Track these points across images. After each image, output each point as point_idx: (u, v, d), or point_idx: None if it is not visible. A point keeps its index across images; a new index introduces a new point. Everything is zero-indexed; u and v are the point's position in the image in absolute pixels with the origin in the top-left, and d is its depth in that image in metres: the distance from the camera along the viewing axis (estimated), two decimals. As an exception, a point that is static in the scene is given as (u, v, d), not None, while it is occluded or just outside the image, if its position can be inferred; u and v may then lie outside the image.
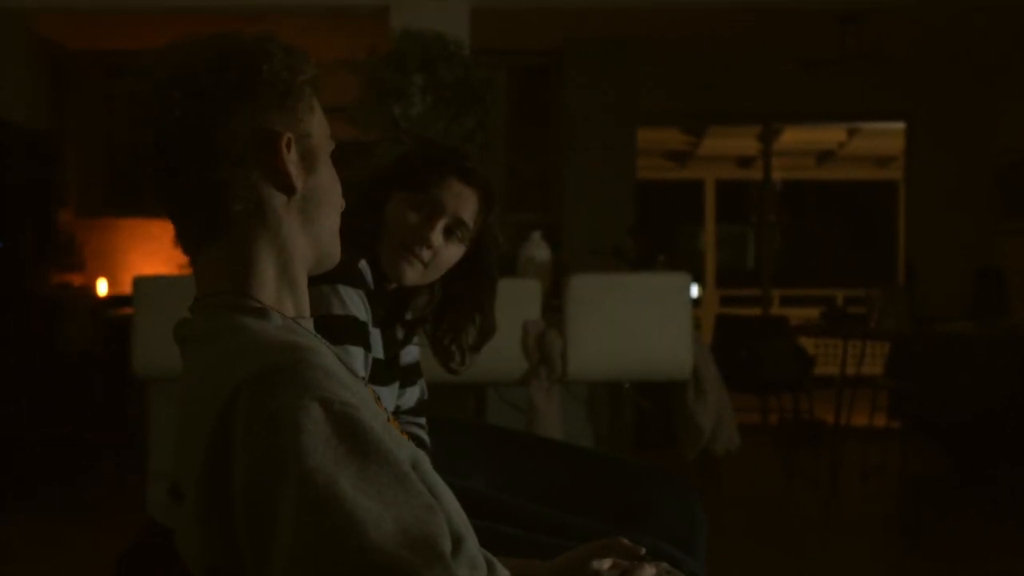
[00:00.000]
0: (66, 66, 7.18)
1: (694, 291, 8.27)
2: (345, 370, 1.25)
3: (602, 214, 7.17)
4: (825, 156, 12.06)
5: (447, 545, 1.13)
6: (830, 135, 11.07)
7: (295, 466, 1.10)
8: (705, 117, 8.98)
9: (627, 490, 2.29)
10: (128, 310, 4.38)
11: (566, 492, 2.29)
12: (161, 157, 1.27)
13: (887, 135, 9.95)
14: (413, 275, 2.03)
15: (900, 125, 8.36)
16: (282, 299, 1.31)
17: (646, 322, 4.08)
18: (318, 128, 1.34)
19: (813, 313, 8.38)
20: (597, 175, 7.23)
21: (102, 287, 7.29)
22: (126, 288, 6.47)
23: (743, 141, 10.60)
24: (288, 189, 1.29)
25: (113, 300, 6.95)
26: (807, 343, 8.17)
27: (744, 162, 11.73)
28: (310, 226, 1.32)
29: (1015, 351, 5.28)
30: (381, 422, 1.20)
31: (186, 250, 1.35)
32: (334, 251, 1.37)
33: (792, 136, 10.37)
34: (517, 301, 4.03)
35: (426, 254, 2.02)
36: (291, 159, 1.28)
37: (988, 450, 5.55)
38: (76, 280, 7.09)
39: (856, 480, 5.92)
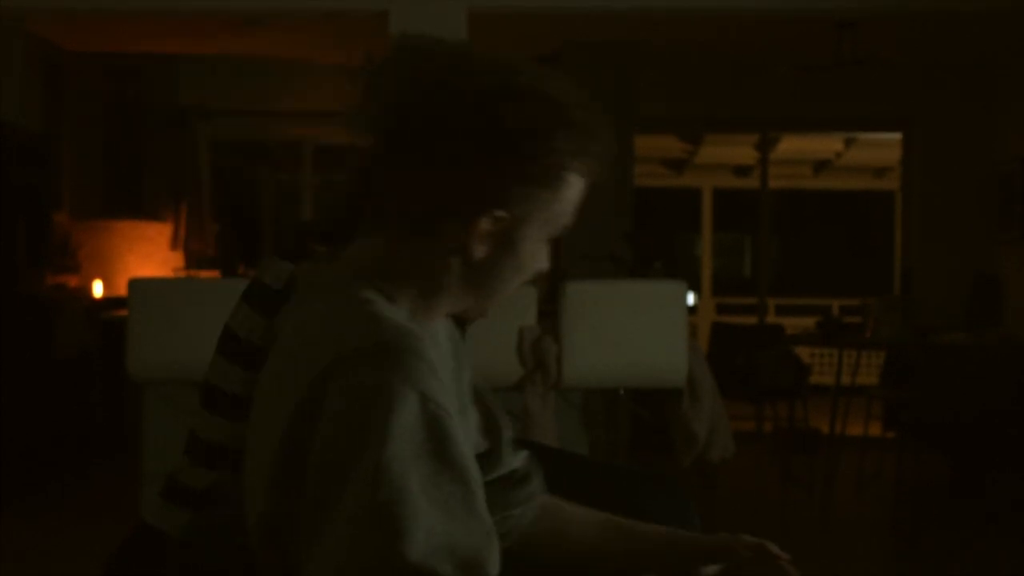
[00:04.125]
0: (62, 68, 7.17)
1: (690, 299, 8.27)
2: (448, 378, 1.26)
3: (599, 221, 7.14)
4: (822, 166, 12.08)
5: (494, 572, 1.14)
6: (827, 145, 11.08)
7: (376, 447, 1.11)
8: (702, 124, 8.98)
9: (621, 496, 2.28)
10: (123, 312, 4.37)
11: (560, 498, 2.29)
12: (412, 150, 1.25)
13: (884, 145, 9.97)
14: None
15: (897, 136, 8.37)
16: (413, 311, 1.31)
17: (642, 329, 4.07)
18: (546, 213, 1.30)
19: (809, 322, 8.37)
20: (594, 181, 7.22)
21: (97, 289, 7.28)
22: (121, 290, 6.46)
23: (740, 150, 10.62)
24: (461, 254, 1.28)
25: (108, 302, 6.93)
26: (803, 352, 8.16)
27: (741, 171, 11.74)
28: (469, 286, 1.31)
29: (1011, 360, 5.28)
30: (467, 432, 1.22)
31: (370, 222, 1.32)
32: (483, 312, 1.37)
33: (789, 145, 10.38)
34: (512, 307, 4.02)
35: None
36: (483, 233, 1.26)
37: (983, 459, 5.55)
38: (71, 282, 7.07)
39: (851, 489, 5.91)
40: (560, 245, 7.00)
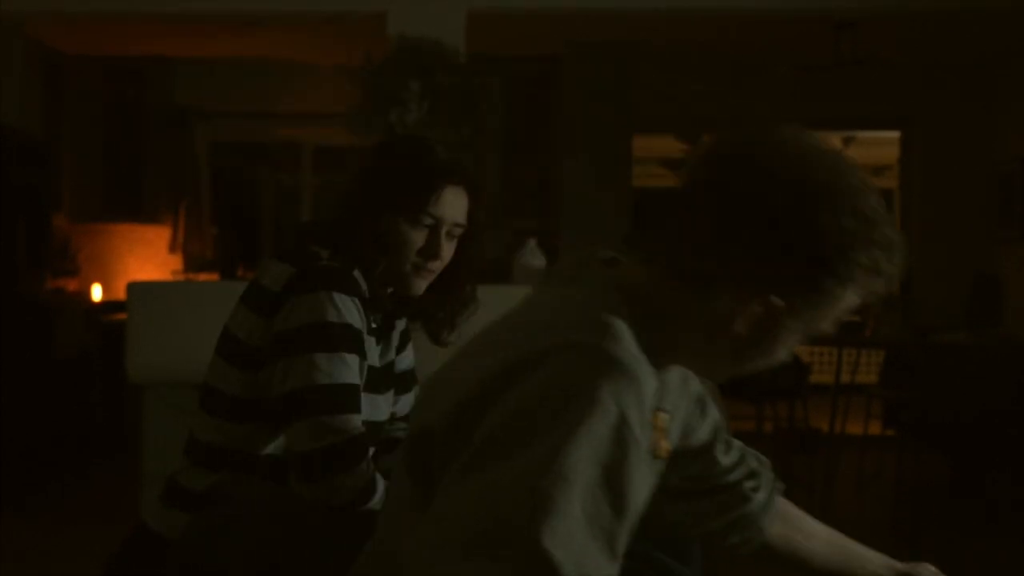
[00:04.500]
0: (62, 70, 7.17)
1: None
2: (676, 422, 1.31)
3: (597, 221, 7.16)
4: (821, 164, 12.07)
5: None
6: (825, 144, 11.07)
7: (561, 437, 1.15)
8: (701, 124, 8.98)
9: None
10: (122, 315, 4.38)
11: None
12: (730, 234, 1.27)
13: (882, 144, 9.96)
14: (424, 284, 2.07)
15: (896, 134, 8.37)
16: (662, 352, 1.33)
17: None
18: (816, 315, 1.32)
19: (808, 321, 8.35)
20: (593, 182, 7.23)
21: (96, 292, 7.28)
22: (120, 293, 6.46)
23: (739, 149, 10.60)
24: (722, 324, 1.29)
25: (107, 305, 6.93)
26: (802, 351, 8.16)
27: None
28: (711, 354, 1.34)
29: (1011, 360, 5.28)
30: (641, 483, 1.23)
31: (667, 260, 1.33)
32: (713, 378, 1.43)
33: (788, 144, 10.36)
34: (511, 308, 4.01)
35: (436, 264, 2.05)
36: (751, 313, 1.28)
37: (984, 459, 5.55)
38: (70, 285, 7.07)
39: (851, 488, 5.91)
40: (560, 246, 7.00)
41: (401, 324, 2.18)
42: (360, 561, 1.45)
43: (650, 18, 6.31)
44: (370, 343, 2.01)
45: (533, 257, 4.89)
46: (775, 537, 1.69)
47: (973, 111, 7.66)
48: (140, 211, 7.46)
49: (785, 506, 1.71)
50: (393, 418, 2.18)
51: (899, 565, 1.72)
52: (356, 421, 1.89)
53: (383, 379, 2.08)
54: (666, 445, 1.37)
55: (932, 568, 1.68)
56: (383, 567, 1.35)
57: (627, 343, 1.24)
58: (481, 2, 5.63)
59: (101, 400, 6.37)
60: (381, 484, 1.91)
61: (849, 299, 1.31)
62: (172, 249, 7.58)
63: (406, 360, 2.22)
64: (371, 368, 2.00)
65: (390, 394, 2.13)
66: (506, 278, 4.79)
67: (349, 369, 1.89)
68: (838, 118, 8.38)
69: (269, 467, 1.97)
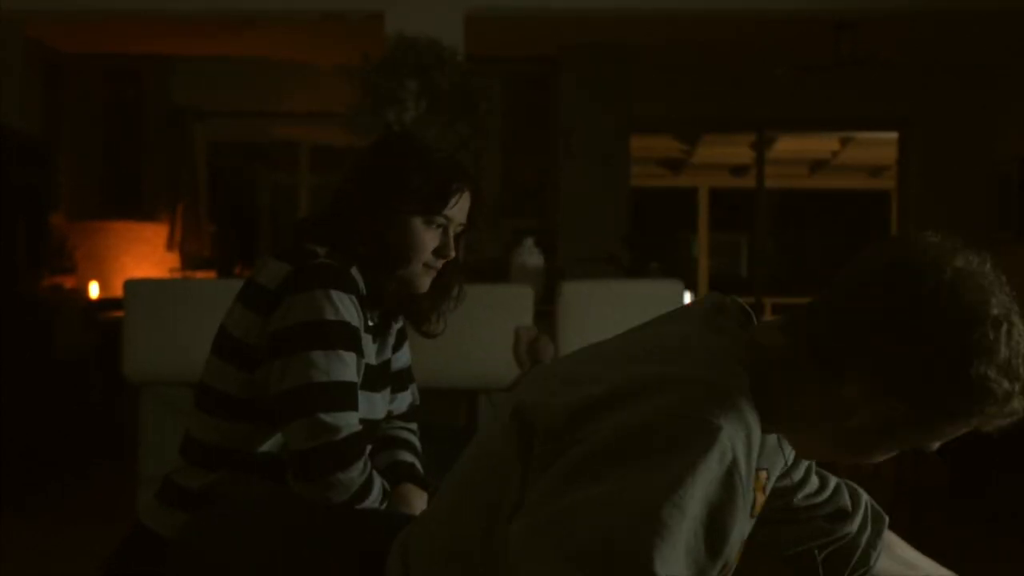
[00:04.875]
0: (60, 70, 7.17)
1: (687, 299, 8.27)
2: (755, 467, 1.30)
3: (596, 221, 7.17)
4: (818, 165, 12.08)
5: None
6: (823, 144, 11.08)
7: (676, 474, 1.17)
8: (699, 124, 8.99)
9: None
10: (120, 313, 4.37)
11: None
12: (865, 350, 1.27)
13: (880, 144, 9.97)
14: (428, 282, 2.09)
15: (893, 135, 8.37)
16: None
17: (639, 329, 4.07)
18: (927, 431, 1.34)
19: (806, 322, 8.36)
20: (591, 182, 7.23)
21: (94, 290, 7.28)
22: (117, 291, 6.46)
23: (737, 150, 10.61)
24: (842, 412, 1.30)
25: (105, 303, 6.93)
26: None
27: (738, 171, 11.75)
28: (814, 437, 1.37)
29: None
30: (735, 529, 1.25)
31: (797, 325, 1.35)
32: (807, 455, 1.49)
33: (785, 145, 10.38)
34: (509, 307, 4.02)
35: (443, 263, 2.07)
36: (874, 410, 1.29)
37: (983, 460, 5.55)
38: (68, 283, 7.07)
39: (848, 489, 5.91)
40: (558, 245, 7.01)
41: (399, 323, 2.19)
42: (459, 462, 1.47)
43: (648, 19, 6.31)
44: (367, 341, 2.01)
45: (531, 256, 4.90)
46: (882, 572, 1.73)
47: (971, 112, 7.66)
48: (138, 209, 7.46)
49: (891, 538, 1.75)
50: (390, 416, 2.18)
51: None
52: (353, 419, 1.89)
53: (380, 377, 2.08)
54: (762, 500, 1.40)
55: None
56: (485, 498, 1.35)
57: (745, 399, 1.26)
58: (479, 2, 5.63)
59: (100, 400, 6.37)
60: (378, 482, 1.91)
61: (957, 430, 1.31)
62: (170, 247, 7.58)
63: (402, 358, 2.22)
64: (368, 366, 2.01)
65: (387, 392, 2.13)
66: (504, 277, 4.80)
67: (346, 367, 1.89)
68: (837, 118, 8.40)
69: (266, 466, 1.97)
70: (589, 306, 4.06)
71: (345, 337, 1.91)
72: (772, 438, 1.42)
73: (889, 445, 1.34)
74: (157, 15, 5.94)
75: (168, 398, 3.77)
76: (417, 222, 2.03)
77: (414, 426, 2.22)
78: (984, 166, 7.59)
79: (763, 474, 1.37)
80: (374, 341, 2.07)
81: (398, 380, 2.19)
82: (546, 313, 4.18)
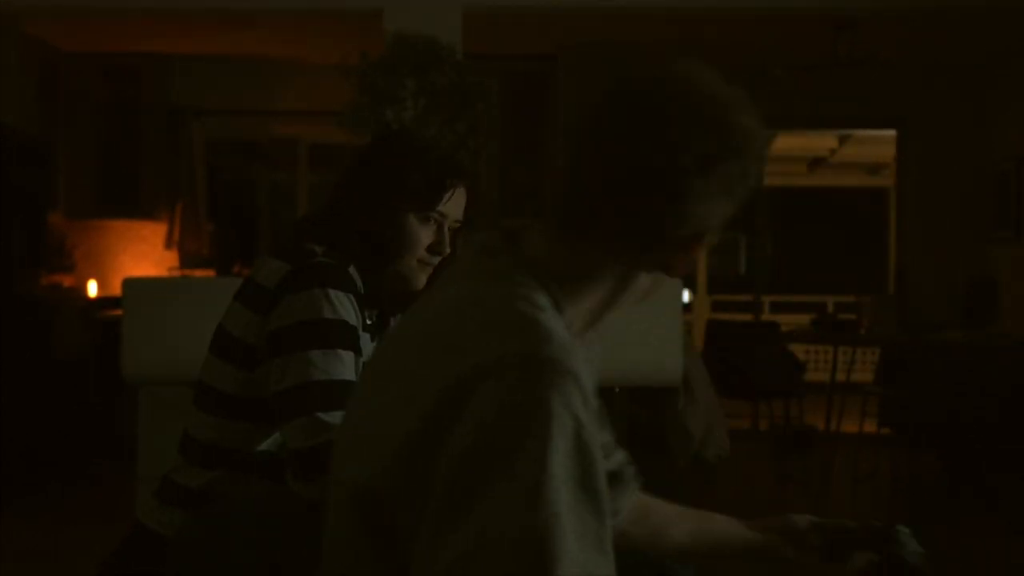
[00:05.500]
0: (58, 68, 7.17)
1: (685, 297, 8.28)
2: (594, 402, 1.24)
3: (594, 219, 7.16)
4: (817, 163, 12.09)
5: None
6: (821, 142, 11.09)
7: (534, 467, 1.09)
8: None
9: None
10: (119, 312, 4.37)
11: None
12: (621, 177, 1.24)
13: (879, 142, 9.97)
14: (425, 279, 2.09)
15: (892, 132, 8.38)
16: (576, 320, 1.30)
17: (637, 328, 4.07)
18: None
19: (804, 320, 8.39)
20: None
21: (92, 289, 7.28)
22: (116, 290, 6.46)
23: (735, 147, 10.59)
24: (668, 272, 1.29)
25: (103, 302, 6.93)
26: (798, 349, 8.18)
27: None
28: (642, 297, 1.34)
29: (1005, 358, 5.30)
30: (603, 469, 1.19)
31: (556, 220, 1.30)
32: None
33: (784, 143, 10.38)
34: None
35: (438, 259, 2.08)
36: (693, 254, 1.28)
37: (978, 457, 5.56)
38: (66, 282, 7.07)
39: (847, 485, 5.92)
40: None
41: (396, 321, 2.19)
42: None
43: (646, 17, 6.32)
44: (365, 340, 2.01)
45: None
46: (639, 536, 1.67)
47: (969, 111, 7.67)
48: (136, 208, 7.46)
49: (645, 501, 1.70)
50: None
51: (765, 521, 1.72)
52: (352, 419, 1.89)
53: (379, 377, 2.09)
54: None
55: (807, 517, 1.68)
56: None
57: (556, 334, 1.19)
58: (477, 0, 5.63)
59: (100, 400, 6.37)
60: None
61: (742, 184, 1.28)
62: (168, 246, 7.58)
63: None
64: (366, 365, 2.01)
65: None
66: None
67: (345, 366, 1.89)
68: (835, 117, 8.39)
69: (265, 465, 1.97)
70: (588, 304, 4.06)
71: (344, 336, 1.91)
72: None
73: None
74: (156, 13, 5.94)
75: (167, 397, 3.77)
76: (412, 218, 2.04)
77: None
78: (982, 164, 7.59)
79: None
80: (372, 339, 2.07)
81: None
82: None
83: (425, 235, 2.05)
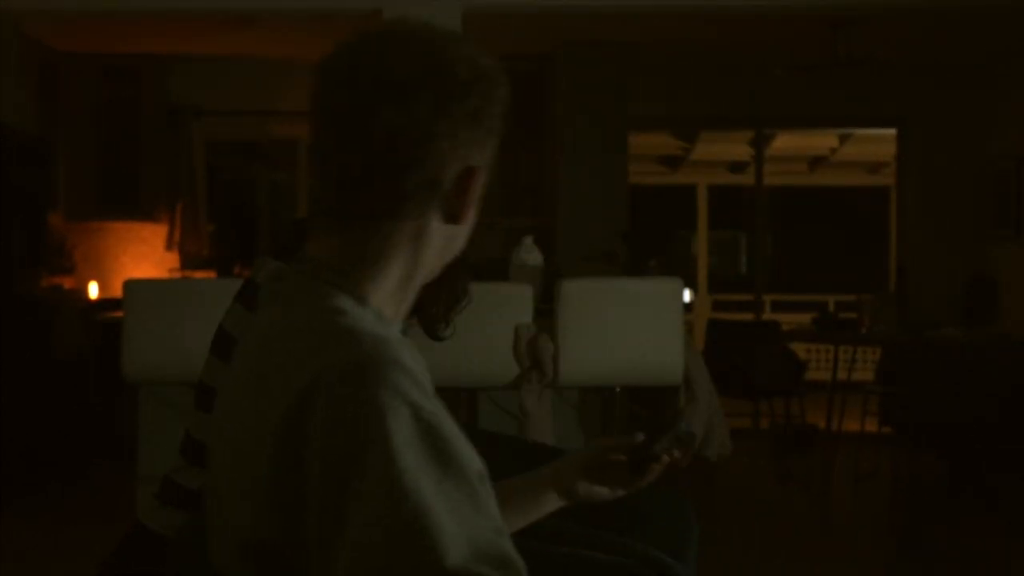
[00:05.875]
0: (57, 69, 7.17)
1: (686, 296, 8.27)
2: (428, 378, 1.22)
3: (594, 219, 7.17)
4: (817, 162, 12.08)
5: (521, 563, 1.14)
6: (822, 141, 11.09)
7: (383, 466, 1.09)
8: (697, 122, 8.99)
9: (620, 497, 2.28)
10: (119, 313, 4.37)
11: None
12: (374, 137, 1.24)
13: (879, 141, 9.97)
14: None
15: (892, 131, 8.38)
16: (387, 303, 1.29)
17: (638, 327, 4.07)
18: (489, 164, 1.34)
19: (805, 319, 8.39)
20: (589, 180, 7.23)
21: (93, 290, 7.27)
22: (117, 291, 6.46)
23: (735, 146, 10.61)
24: (456, 219, 1.29)
25: (104, 303, 6.93)
26: (799, 348, 8.18)
27: (736, 167, 11.75)
28: (442, 253, 1.32)
29: (1006, 358, 5.30)
30: (457, 434, 1.19)
31: (327, 214, 1.29)
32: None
33: (784, 142, 10.38)
34: (509, 306, 4.02)
35: None
36: (472, 195, 1.28)
37: (979, 456, 5.56)
38: (67, 283, 7.06)
39: (848, 485, 5.92)
40: (556, 243, 7.00)
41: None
42: None
43: (646, 16, 6.31)
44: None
45: (530, 255, 4.90)
46: None
47: (969, 110, 7.66)
48: (136, 209, 7.46)
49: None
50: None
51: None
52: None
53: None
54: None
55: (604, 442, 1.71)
56: None
57: (367, 335, 1.18)
58: (477, 0, 5.63)
59: (100, 400, 6.37)
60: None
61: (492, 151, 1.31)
62: (169, 247, 7.57)
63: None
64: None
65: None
66: (503, 276, 4.79)
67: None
68: (835, 116, 8.40)
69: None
70: (589, 304, 4.06)
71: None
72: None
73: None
74: (155, 13, 5.94)
75: (168, 398, 3.77)
76: None
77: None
78: (982, 164, 7.59)
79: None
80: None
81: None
82: (546, 311, 4.18)
83: None
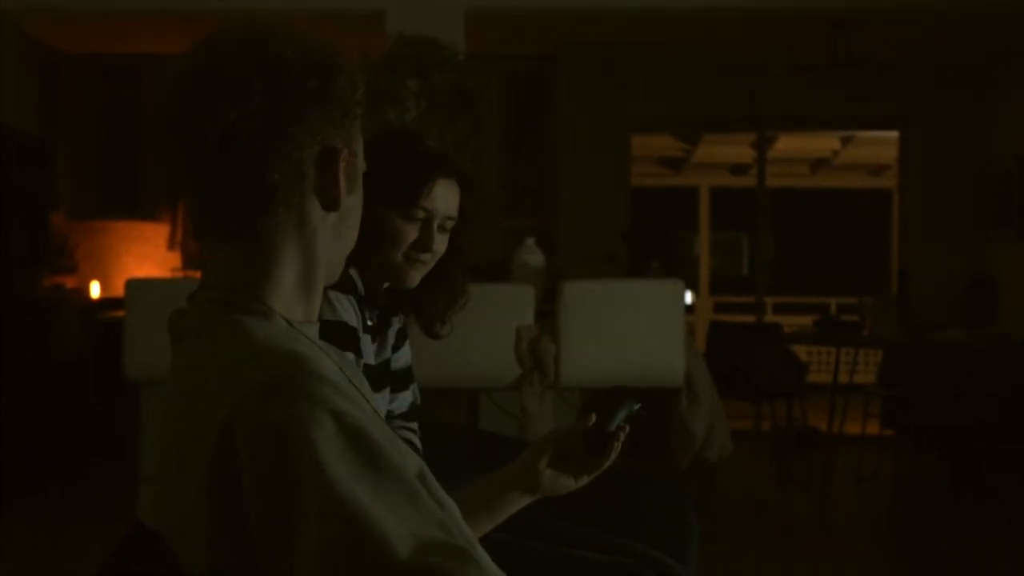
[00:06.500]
0: (58, 69, 7.17)
1: (688, 298, 8.26)
2: (347, 381, 1.22)
3: (596, 220, 7.17)
4: (819, 164, 12.08)
5: (470, 552, 1.13)
6: (824, 143, 11.09)
7: (313, 479, 1.09)
8: (697, 123, 8.98)
9: (620, 497, 2.28)
10: (121, 313, 4.38)
11: (558, 499, 2.29)
12: (220, 140, 1.22)
13: (881, 143, 9.97)
14: (418, 276, 2.07)
15: (894, 134, 8.37)
16: (293, 305, 1.28)
17: (639, 328, 4.07)
18: (360, 148, 1.34)
19: (806, 320, 8.38)
20: (591, 181, 7.23)
21: (95, 290, 7.27)
22: (118, 291, 6.46)
23: (737, 148, 10.62)
24: (332, 204, 1.27)
25: (106, 303, 6.93)
26: (800, 350, 8.17)
27: (738, 169, 11.75)
28: (337, 242, 1.31)
29: (1006, 358, 5.29)
30: (387, 435, 1.19)
31: (203, 235, 1.28)
32: (341, 270, 1.36)
33: (786, 144, 10.38)
34: (510, 306, 4.02)
35: (428, 257, 2.05)
36: (342, 177, 1.27)
37: (981, 458, 5.55)
38: (68, 283, 7.07)
39: (849, 487, 5.92)
40: (558, 244, 7.00)
41: (397, 322, 2.18)
42: None
43: (647, 17, 6.31)
44: (366, 341, 2.01)
45: (531, 256, 4.90)
46: None
47: (970, 111, 7.66)
48: (138, 208, 7.46)
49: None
50: (391, 416, 2.18)
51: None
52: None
53: (379, 377, 2.08)
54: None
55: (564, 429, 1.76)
56: None
57: (276, 351, 1.18)
58: (479, 1, 5.63)
59: (100, 400, 6.37)
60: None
61: (360, 133, 1.33)
62: (171, 246, 7.57)
63: (403, 358, 2.21)
64: (367, 366, 2.00)
65: (387, 392, 2.13)
66: (505, 276, 4.79)
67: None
68: (836, 118, 8.39)
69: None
70: (590, 305, 4.06)
71: (343, 338, 1.90)
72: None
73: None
74: (156, 13, 5.94)
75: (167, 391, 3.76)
76: (393, 214, 2.03)
77: (415, 426, 2.22)
78: (983, 165, 7.58)
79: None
80: (373, 341, 2.07)
81: (398, 380, 2.19)
82: (547, 312, 4.18)
83: (409, 231, 2.03)
